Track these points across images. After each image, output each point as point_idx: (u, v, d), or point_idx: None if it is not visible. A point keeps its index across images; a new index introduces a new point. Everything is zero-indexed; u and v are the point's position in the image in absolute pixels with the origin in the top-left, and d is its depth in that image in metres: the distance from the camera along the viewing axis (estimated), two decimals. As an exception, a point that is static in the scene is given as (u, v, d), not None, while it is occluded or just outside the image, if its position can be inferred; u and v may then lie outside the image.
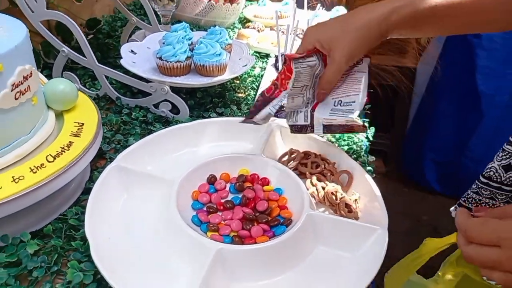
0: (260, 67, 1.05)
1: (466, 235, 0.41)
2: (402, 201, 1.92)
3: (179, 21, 1.19)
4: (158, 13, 0.99)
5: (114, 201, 0.56)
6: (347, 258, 0.52)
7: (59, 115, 0.61)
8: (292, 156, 0.66)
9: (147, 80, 0.77)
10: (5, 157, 0.50)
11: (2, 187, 0.46)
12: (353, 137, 0.79)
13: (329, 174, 0.63)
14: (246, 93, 0.92)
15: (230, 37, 0.95)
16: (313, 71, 0.61)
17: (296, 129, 0.65)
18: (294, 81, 0.60)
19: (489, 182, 0.48)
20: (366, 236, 0.52)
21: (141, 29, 1.02)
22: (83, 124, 0.59)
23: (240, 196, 0.59)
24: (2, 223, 0.49)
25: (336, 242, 0.53)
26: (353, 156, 0.70)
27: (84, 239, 0.51)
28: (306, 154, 0.66)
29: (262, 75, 0.98)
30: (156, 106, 0.79)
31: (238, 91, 0.92)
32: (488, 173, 0.48)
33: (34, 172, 0.49)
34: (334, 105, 0.61)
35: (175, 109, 0.78)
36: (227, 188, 0.61)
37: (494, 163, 0.49)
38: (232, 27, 1.30)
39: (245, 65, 0.86)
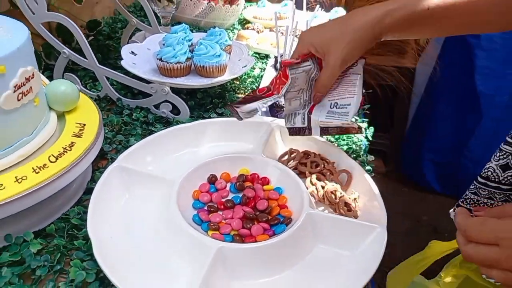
0: (259, 68, 1.05)
1: (466, 234, 0.42)
2: (402, 201, 1.92)
3: (179, 23, 1.20)
4: (158, 15, 0.99)
5: (115, 200, 0.56)
6: (346, 256, 0.52)
7: (61, 116, 0.62)
8: (292, 155, 0.66)
9: (147, 81, 0.78)
10: (8, 157, 0.51)
11: (5, 187, 0.47)
12: (352, 137, 0.79)
13: (328, 173, 0.63)
14: (246, 94, 0.92)
15: (229, 38, 0.96)
16: (309, 75, 0.62)
17: (294, 131, 0.66)
18: (289, 87, 0.60)
19: (487, 182, 0.49)
20: (365, 234, 0.53)
21: (141, 30, 1.02)
22: (84, 124, 0.59)
23: (240, 195, 0.60)
24: (6, 222, 0.49)
25: (336, 240, 0.53)
26: (352, 156, 0.71)
27: (86, 238, 0.51)
28: (306, 154, 0.67)
29: (261, 76, 0.99)
30: (157, 106, 0.79)
31: (238, 91, 0.93)
32: (486, 173, 0.48)
33: (37, 173, 0.49)
34: (330, 107, 0.62)
35: (175, 110, 0.78)
36: (228, 188, 0.62)
37: (492, 163, 0.49)
38: (231, 28, 1.31)
39: (245, 66, 0.86)
